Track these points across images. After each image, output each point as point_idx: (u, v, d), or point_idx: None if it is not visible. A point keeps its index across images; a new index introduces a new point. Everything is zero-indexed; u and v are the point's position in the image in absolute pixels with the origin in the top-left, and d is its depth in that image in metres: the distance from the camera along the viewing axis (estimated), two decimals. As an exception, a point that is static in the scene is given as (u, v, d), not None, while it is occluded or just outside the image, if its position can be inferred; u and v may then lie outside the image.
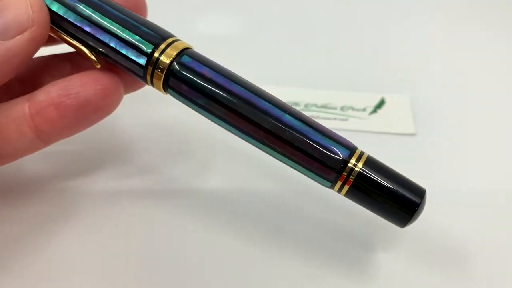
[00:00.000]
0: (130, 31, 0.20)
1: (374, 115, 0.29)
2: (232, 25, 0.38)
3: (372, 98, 0.30)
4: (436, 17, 0.38)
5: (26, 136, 0.21)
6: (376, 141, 0.28)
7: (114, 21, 0.20)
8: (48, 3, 0.20)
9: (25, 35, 0.20)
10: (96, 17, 0.20)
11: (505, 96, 0.31)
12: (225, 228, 0.23)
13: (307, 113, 0.30)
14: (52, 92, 0.21)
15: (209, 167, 0.26)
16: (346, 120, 0.29)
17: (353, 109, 0.30)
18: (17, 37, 0.19)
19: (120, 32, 0.20)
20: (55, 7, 0.20)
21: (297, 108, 0.31)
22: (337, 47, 0.35)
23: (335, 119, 0.29)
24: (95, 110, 0.21)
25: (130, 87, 0.24)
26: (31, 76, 0.24)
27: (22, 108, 0.21)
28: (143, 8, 0.24)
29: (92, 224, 0.23)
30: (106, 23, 0.20)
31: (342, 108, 0.30)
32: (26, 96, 0.21)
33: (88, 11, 0.20)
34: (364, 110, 0.30)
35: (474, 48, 0.35)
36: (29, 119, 0.20)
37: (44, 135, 0.21)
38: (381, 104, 0.30)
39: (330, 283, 0.21)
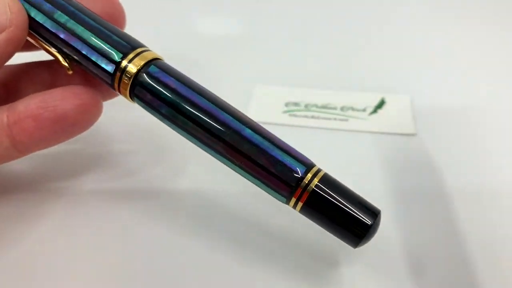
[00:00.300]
0: (101, 39, 0.20)
1: (374, 115, 0.29)
2: (232, 26, 0.38)
3: (372, 98, 0.30)
4: (437, 17, 0.38)
5: (2, 145, 0.21)
6: (376, 141, 0.28)
7: (87, 29, 0.21)
8: (26, 7, 0.21)
9: (2, 35, 0.20)
10: (70, 24, 0.21)
11: (505, 95, 0.31)
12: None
13: (307, 113, 0.30)
14: (31, 104, 0.21)
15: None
16: (346, 120, 0.29)
17: (353, 109, 0.30)
18: None
19: (92, 40, 0.20)
20: (33, 13, 0.21)
21: (297, 108, 0.31)
22: (337, 47, 0.35)
23: (335, 119, 0.29)
24: (72, 124, 0.21)
25: (107, 95, 0.24)
26: (12, 82, 0.24)
27: (0, 117, 0.21)
28: (120, 18, 0.24)
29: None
30: (79, 30, 0.21)
31: (342, 108, 0.30)
32: (6, 106, 0.21)
33: (63, 19, 0.21)
34: (364, 110, 0.30)
35: (475, 47, 0.35)
36: (7, 128, 0.21)
37: (21, 146, 0.21)
38: (381, 104, 0.30)
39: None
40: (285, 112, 0.29)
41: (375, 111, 0.30)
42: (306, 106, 0.30)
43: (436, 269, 0.21)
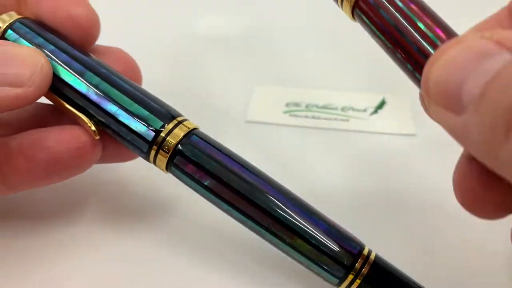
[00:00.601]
0: (140, 104, 0.19)
1: (375, 115, 0.29)
2: (232, 26, 0.38)
3: (373, 98, 0.30)
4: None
5: None
6: (377, 141, 0.28)
7: (123, 93, 0.20)
8: (53, 64, 0.20)
9: (18, 91, 0.18)
10: (103, 87, 0.20)
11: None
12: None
13: (308, 114, 0.30)
14: (25, 142, 0.19)
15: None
16: (347, 120, 0.29)
17: (354, 109, 0.30)
18: (6, 88, 0.18)
19: (129, 105, 0.19)
20: (60, 72, 0.20)
21: (298, 108, 0.31)
22: (337, 47, 0.35)
23: (336, 119, 0.29)
24: (66, 168, 0.20)
25: (119, 158, 0.22)
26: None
27: None
28: (138, 76, 0.23)
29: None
30: (114, 94, 0.19)
31: (343, 109, 0.30)
32: (1, 141, 0.20)
33: (95, 80, 0.20)
34: (365, 110, 0.30)
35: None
36: None
37: (11, 183, 0.20)
38: (382, 104, 0.30)
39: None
40: (285, 112, 0.29)
41: (375, 111, 0.30)
42: (306, 106, 0.30)
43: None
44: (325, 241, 0.18)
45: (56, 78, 0.20)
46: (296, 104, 0.30)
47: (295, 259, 0.19)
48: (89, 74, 0.20)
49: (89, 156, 0.20)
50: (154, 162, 0.20)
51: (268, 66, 0.34)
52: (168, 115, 0.20)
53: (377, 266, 0.18)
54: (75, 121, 0.20)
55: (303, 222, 0.18)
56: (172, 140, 0.19)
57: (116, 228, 0.23)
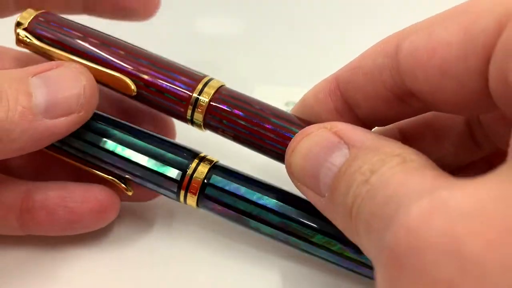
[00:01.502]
0: (164, 150, 0.20)
1: (375, 114, 0.29)
2: (232, 25, 0.38)
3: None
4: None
5: (9, 223, 0.20)
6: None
7: (147, 142, 0.20)
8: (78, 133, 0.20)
9: (69, 118, 0.18)
10: (129, 141, 0.20)
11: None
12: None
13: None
14: (49, 198, 0.20)
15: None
16: (346, 119, 0.29)
17: (353, 108, 0.30)
18: (61, 119, 0.18)
19: (154, 153, 0.20)
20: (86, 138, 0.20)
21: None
22: (337, 47, 0.35)
23: (335, 119, 0.29)
24: (85, 227, 0.21)
25: (137, 199, 0.23)
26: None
27: (15, 198, 0.20)
28: (172, 129, 0.24)
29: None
30: (139, 145, 0.20)
31: (342, 108, 0.30)
32: (23, 188, 0.20)
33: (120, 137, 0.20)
34: (364, 109, 0.30)
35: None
36: (18, 212, 0.20)
37: (27, 229, 0.20)
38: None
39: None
40: (285, 112, 0.29)
41: (375, 110, 0.30)
42: (306, 105, 0.30)
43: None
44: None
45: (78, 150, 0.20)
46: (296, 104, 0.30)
47: (338, 264, 0.19)
48: (110, 131, 0.20)
49: (110, 217, 0.21)
50: (185, 200, 0.20)
51: (268, 66, 0.34)
52: (190, 154, 0.20)
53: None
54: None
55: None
56: (198, 177, 0.20)
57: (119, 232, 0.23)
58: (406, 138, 0.20)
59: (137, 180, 0.20)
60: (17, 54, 0.23)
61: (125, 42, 0.21)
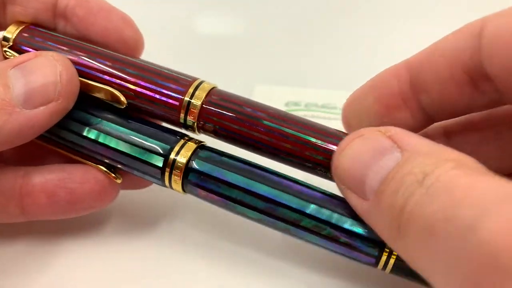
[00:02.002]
0: (145, 136, 0.20)
1: (375, 114, 0.29)
2: (232, 25, 0.38)
3: (372, 97, 0.31)
4: (436, 15, 0.38)
5: (9, 210, 0.20)
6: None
7: (127, 128, 0.20)
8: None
9: (49, 107, 0.18)
10: (109, 128, 0.20)
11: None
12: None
13: (307, 113, 0.30)
14: (49, 180, 0.20)
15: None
16: (346, 119, 0.29)
17: (353, 108, 0.30)
18: (40, 108, 0.18)
19: (134, 139, 0.20)
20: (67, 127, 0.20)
21: (297, 107, 0.31)
22: (337, 47, 0.35)
23: (335, 119, 0.29)
24: (86, 207, 0.20)
25: (132, 186, 0.23)
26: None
27: (14, 182, 0.20)
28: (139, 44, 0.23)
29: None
30: (118, 132, 0.20)
31: (342, 108, 0.30)
32: (21, 173, 0.20)
33: (100, 125, 0.20)
34: (364, 109, 0.30)
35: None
36: (18, 198, 0.20)
37: (28, 214, 0.20)
38: (381, 103, 0.30)
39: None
40: (285, 111, 0.29)
41: (375, 110, 0.30)
42: (306, 105, 0.30)
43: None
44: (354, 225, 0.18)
45: (62, 133, 0.20)
46: (296, 103, 0.30)
47: (329, 249, 0.19)
48: (93, 119, 0.20)
49: (110, 198, 0.21)
50: (170, 186, 0.20)
51: (268, 65, 0.34)
52: (173, 137, 0.20)
53: None
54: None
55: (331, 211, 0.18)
56: (180, 162, 0.19)
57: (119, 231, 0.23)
58: (450, 139, 0.20)
59: (123, 168, 0.20)
60: None
61: (110, 52, 0.21)
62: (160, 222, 0.24)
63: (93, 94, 0.20)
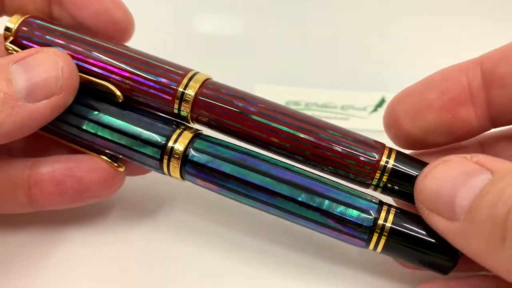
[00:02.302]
0: (141, 127, 0.20)
1: (375, 114, 0.29)
2: (232, 25, 0.38)
3: (372, 97, 0.30)
4: (436, 16, 0.38)
5: (18, 200, 0.20)
6: (377, 139, 0.28)
7: (123, 119, 0.20)
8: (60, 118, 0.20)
9: (51, 101, 0.19)
10: (107, 120, 0.20)
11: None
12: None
13: (307, 112, 0.30)
14: (56, 169, 0.20)
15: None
16: (347, 119, 0.29)
17: (353, 108, 0.30)
18: (43, 102, 0.18)
19: (131, 130, 0.20)
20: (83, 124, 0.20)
21: (297, 107, 0.31)
22: (337, 46, 0.35)
23: (335, 118, 0.29)
24: (93, 196, 0.21)
25: (134, 173, 0.23)
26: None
27: (22, 173, 0.20)
28: (130, 26, 0.23)
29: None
30: (116, 124, 0.20)
31: (342, 107, 0.30)
32: (28, 163, 0.20)
33: (99, 117, 0.20)
34: (364, 109, 0.30)
35: (474, 46, 0.35)
36: (26, 187, 0.20)
37: (36, 204, 0.21)
38: (381, 103, 0.30)
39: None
40: (285, 111, 0.29)
41: (375, 109, 0.30)
42: (306, 105, 0.30)
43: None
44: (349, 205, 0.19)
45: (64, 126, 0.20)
46: (296, 103, 0.30)
47: (321, 232, 0.19)
48: (92, 112, 0.20)
49: (116, 185, 0.21)
50: (169, 174, 0.20)
51: (268, 65, 0.34)
52: (170, 127, 0.20)
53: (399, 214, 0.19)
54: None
55: (327, 194, 0.19)
56: (179, 149, 0.20)
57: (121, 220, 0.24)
58: (485, 151, 0.20)
59: (124, 158, 0.21)
60: None
61: (106, 43, 0.21)
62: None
63: (91, 88, 0.21)
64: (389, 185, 0.19)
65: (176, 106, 0.20)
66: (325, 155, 0.19)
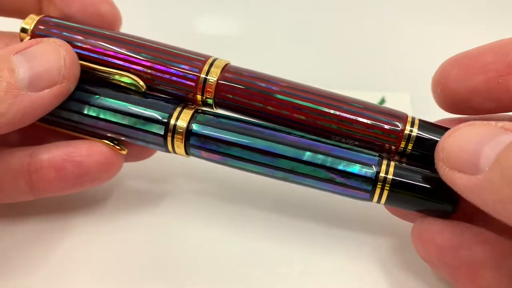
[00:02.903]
0: (143, 107, 0.20)
1: (375, 113, 0.29)
2: (232, 25, 0.38)
3: (372, 97, 0.31)
4: (436, 15, 0.38)
5: (19, 188, 0.21)
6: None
7: (126, 101, 0.21)
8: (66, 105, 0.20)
9: (53, 90, 0.19)
10: (109, 103, 0.21)
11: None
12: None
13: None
14: (56, 155, 0.21)
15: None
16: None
17: (353, 108, 0.30)
18: (45, 91, 0.19)
19: (134, 110, 0.21)
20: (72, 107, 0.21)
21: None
22: (337, 46, 0.35)
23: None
24: (93, 180, 0.21)
25: (136, 157, 0.23)
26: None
27: (21, 161, 0.20)
28: (117, 19, 0.23)
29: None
30: (117, 105, 0.21)
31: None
32: (28, 151, 0.21)
33: (107, 102, 0.21)
34: (364, 108, 0.30)
35: (474, 45, 0.35)
36: (27, 175, 0.20)
37: (38, 191, 0.21)
38: (381, 102, 0.30)
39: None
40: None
41: (375, 109, 0.30)
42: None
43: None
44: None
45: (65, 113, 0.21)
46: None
47: (327, 190, 0.20)
48: (94, 98, 0.21)
49: (116, 168, 0.22)
50: (174, 151, 0.21)
51: (268, 65, 0.34)
52: (171, 105, 0.21)
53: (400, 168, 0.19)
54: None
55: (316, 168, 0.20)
56: (181, 125, 0.20)
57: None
58: None
59: (127, 139, 0.21)
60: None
61: (123, 35, 0.22)
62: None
63: (112, 81, 0.21)
64: (414, 154, 0.20)
65: (199, 92, 0.20)
66: (351, 128, 0.20)
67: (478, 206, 0.17)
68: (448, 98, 0.20)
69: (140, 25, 0.24)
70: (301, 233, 0.23)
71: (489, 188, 0.16)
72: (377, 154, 0.20)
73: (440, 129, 0.20)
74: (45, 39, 0.20)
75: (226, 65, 0.21)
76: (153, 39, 0.23)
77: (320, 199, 0.24)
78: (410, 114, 0.29)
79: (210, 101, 0.21)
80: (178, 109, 0.21)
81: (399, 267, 0.22)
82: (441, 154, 0.18)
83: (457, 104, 0.20)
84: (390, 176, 0.19)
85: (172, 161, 0.24)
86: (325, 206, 0.24)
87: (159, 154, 0.23)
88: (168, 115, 0.20)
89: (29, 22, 0.22)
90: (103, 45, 0.21)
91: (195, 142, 0.20)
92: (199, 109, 0.21)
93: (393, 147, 0.20)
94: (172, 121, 0.20)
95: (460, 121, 0.21)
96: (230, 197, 0.25)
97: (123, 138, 0.21)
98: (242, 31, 0.37)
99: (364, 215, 0.24)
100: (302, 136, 0.20)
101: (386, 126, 0.20)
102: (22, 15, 0.22)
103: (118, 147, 0.21)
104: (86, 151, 0.21)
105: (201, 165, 0.23)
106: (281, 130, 0.20)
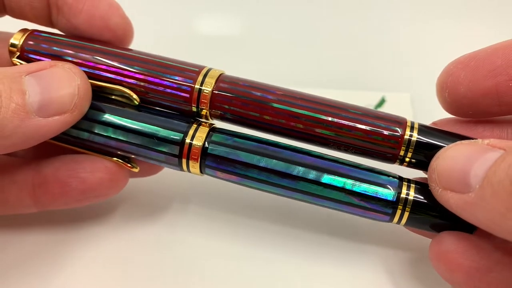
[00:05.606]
0: (159, 126, 0.20)
1: (375, 113, 0.29)
2: (233, 25, 0.38)
3: (372, 97, 0.30)
4: (436, 15, 0.38)
5: (23, 201, 0.20)
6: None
7: (142, 121, 0.20)
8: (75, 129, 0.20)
9: (62, 118, 0.18)
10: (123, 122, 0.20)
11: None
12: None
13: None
14: (61, 171, 0.20)
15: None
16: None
17: (353, 108, 0.30)
18: (55, 117, 0.18)
19: (149, 129, 0.20)
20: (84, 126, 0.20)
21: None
22: (337, 46, 0.35)
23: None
24: (97, 195, 0.21)
25: (144, 173, 0.23)
26: None
27: (26, 175, 0.20)
28: (130, 33, 0.22)
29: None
30: (135, 125, 0.20)
31: (342, 107, 0.30)
32: (32, 165, 0.20)
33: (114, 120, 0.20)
34: (364, 109, 0.30)
35: (474, 45, 0.35)
36: (31, 188, 0.20)
37: (41, 205, 0.21)
38: (381, 102, 0.30)
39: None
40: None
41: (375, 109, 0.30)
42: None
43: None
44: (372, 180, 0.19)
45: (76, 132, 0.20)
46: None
47: (347, 212, 0.20)
48: (106, 116, 0.20)
49: (121, 185, 0.21)
50: (189, 170, 0.20)
51: (268, 66, 0.34)
52: (185, 123, 0.20)
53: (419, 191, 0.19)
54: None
55: (350, 174, 0.19)
56: (197, 145, 0.20)
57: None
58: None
59: (140, 158, 0.21)
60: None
61: (114, 48, 0.21)
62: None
63: (105, 95, 0.21)
64: (413, 160, 0.19)
65: (194, 103, 0.20)
66: (349, 135, 0.19)
67: (473, 223, 0.17)
68: (456, 102, 0.20)
69: (140, 25, 0.24)
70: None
71: (481, 205, 0.16)
72: (397, 176, 0.20)
73: (440, 133, 0.19)
74: (60, 63, 0.19)
75: (220, 74, 0.20)
76: (152, 39, 0.23)
77: (327, 211, 0.24)
78: (410, 114, 0.29)
79: (204, 111, 0.20)
80: (194, 126, 0.20)
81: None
82: (432, 175, 0.18)
83: (465, 108, 0.20)
84: (411, 198, 0.19)
85: (177, 174, 0.24)
86: (332, 217, 0.24)
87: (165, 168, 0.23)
88: (183, 134, 0.20)
89: (18, 38, 0.21)
90: (95, 58, 0.20)
91: (210, 163, 0.20)
92: (214, 127, 0.21)
93: (393, 153, 0.19)
94: (188, 140, 0.20)
95: (460, 121, 0.21)
96: (234, 209, 0.25)
97: (134, 157, 0.21)
98: (242, 31, 0.37)
99: (372, 226, 0.24)
100: (320, 157, 0.20)
101: (386, 132, 0.19)
102: (31, 20, 0.22)
103: (129, 165, 0.21)
104: (91, 167, 0.20)
105: (205, 178, 0.22)
106: (298, 150, 0.20)
